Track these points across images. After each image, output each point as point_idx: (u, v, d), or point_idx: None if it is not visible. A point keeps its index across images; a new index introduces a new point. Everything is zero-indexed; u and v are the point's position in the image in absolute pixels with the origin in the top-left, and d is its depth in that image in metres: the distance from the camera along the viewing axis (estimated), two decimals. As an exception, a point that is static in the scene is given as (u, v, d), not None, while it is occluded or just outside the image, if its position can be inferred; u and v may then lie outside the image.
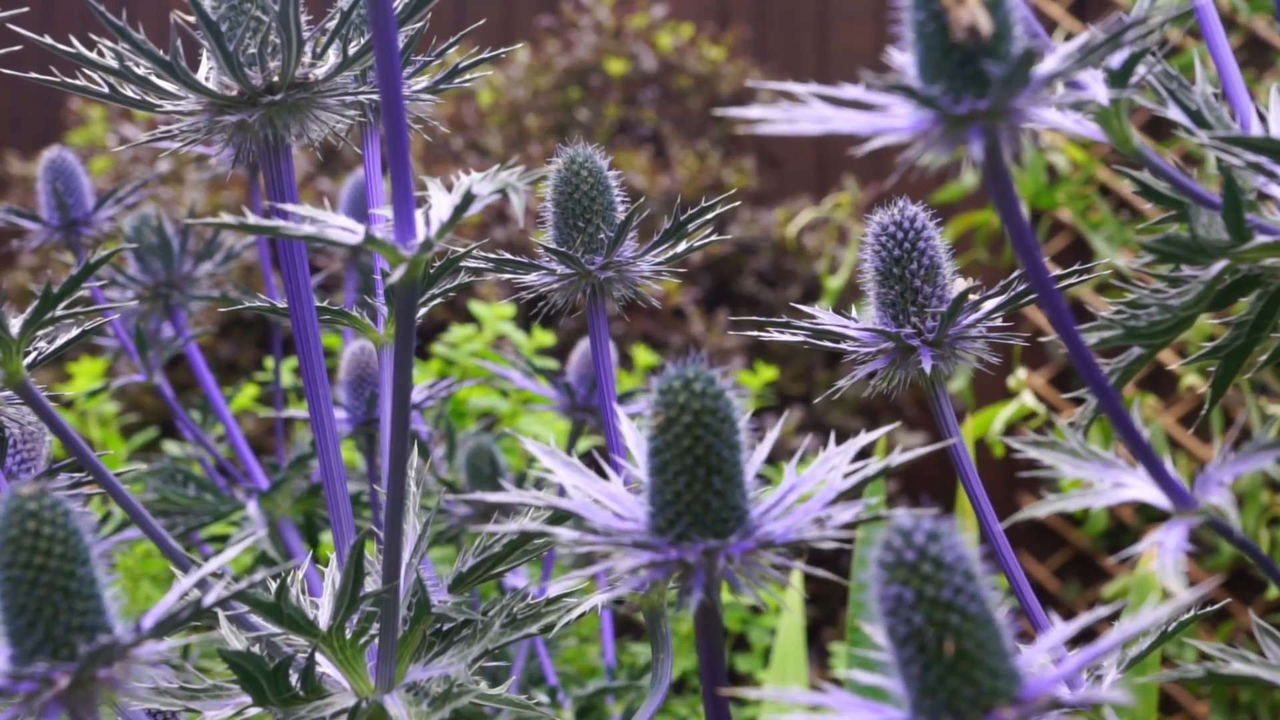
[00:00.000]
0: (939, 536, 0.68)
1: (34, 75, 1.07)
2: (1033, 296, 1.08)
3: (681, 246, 1.20)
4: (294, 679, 0.99)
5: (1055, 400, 3.55)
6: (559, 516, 0.97)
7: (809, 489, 0.84)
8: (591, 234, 1.17)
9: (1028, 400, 2.82)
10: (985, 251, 3.51)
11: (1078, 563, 3.71)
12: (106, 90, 1.05)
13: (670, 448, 0.79)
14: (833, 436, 0.90)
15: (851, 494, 0.85)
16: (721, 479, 0.79)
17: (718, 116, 3.95)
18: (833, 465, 0.85)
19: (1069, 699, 0.71)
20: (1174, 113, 0.96)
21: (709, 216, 1.19)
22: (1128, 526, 3.54)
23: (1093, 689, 1.05)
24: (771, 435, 0.88)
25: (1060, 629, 0.73)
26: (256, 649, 1.02)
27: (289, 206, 1.01)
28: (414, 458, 1.07)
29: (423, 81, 1.19)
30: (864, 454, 0.91)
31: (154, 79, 1.04)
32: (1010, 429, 2.88)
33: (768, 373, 2.92)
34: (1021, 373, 2.87)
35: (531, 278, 1.19)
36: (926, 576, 0.68)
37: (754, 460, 0.83)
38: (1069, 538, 3.67)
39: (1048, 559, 3.71)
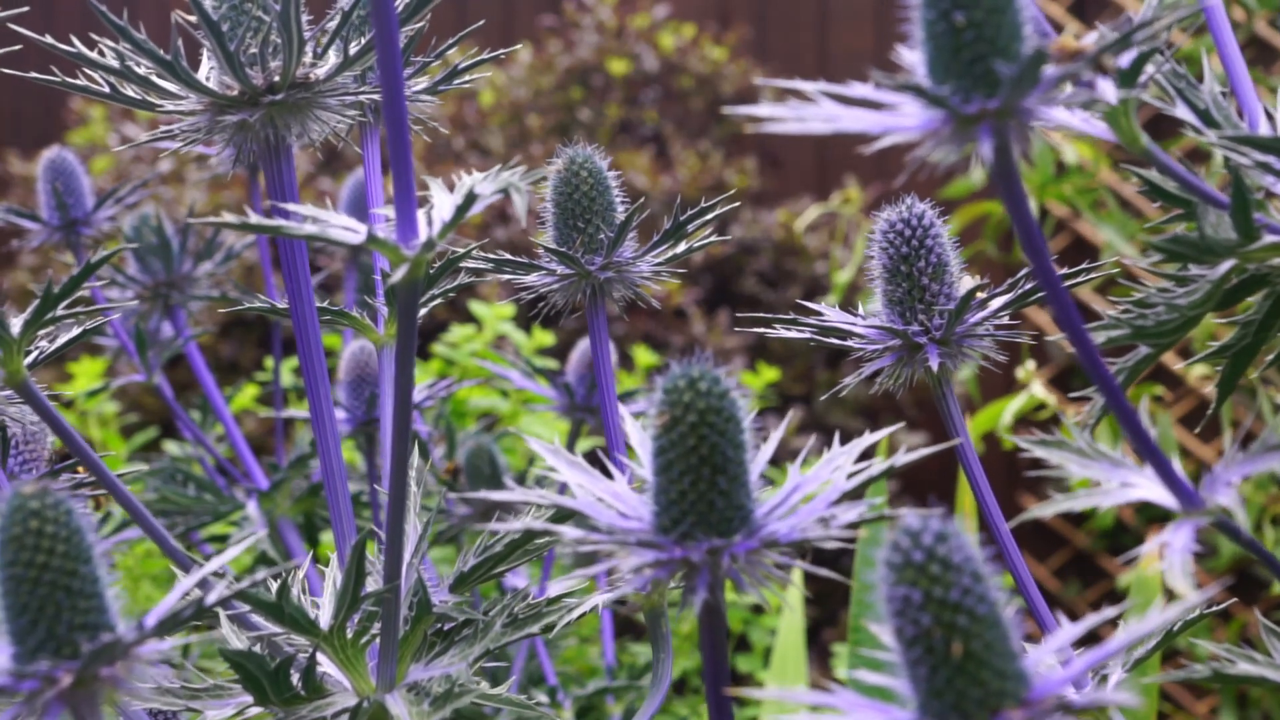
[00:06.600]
0: (947, 537, 0.68)
1: (35, 75, 1.06)
2: (1039, 295, 1.08)
3: (681, 247, 1.20)
4: (295, 678, 0.98)
5: (1056, 400, 3.55)
6: (563, 515, 0.97)
7: (813, 489, 0.83)
8: (591, 234, 1.17)
9: (1037, 391, 2.80)
10: (993, 246, 3.50)
11: (1078, 562, 3.71)
12: (107, 90, 1.05)
13: (675, 447, 0.79)
14: (837, 437, 0.90)
15: (855, 494, 0.84)
16: (726, 478, 0.79)
17: (719, 116, 3.94)
18: (837, 465, 0.85)
19: (1076, 701, 0.70)
20: (1182, 111, 0.95)
21: (709, 217, 1.18)
22: (1128, 526, 3.54)
23: (1099, 691, 1.04)
24: (776, 435, 0.88)
25: (1067, 630, 0.73)
26: (258, 649, 1.02)
27: (291, 206, 1.01)
28: (415, 458, 1.07)
29: (423, 82, 1.19)
30: (867, 454, 0.90)
31: (155, 79, 1.04)
32: (1019, 421, 2.86)
33: (770, 373, 2.91)
34: (1030, 364, 2.85)
35: (531, 278, 1.18)
36: (934, 577, 0.67)
37: (758, 460, 0.83)
38: (1069, 537, 3.66)
39: (1048, 559, 3.71)
